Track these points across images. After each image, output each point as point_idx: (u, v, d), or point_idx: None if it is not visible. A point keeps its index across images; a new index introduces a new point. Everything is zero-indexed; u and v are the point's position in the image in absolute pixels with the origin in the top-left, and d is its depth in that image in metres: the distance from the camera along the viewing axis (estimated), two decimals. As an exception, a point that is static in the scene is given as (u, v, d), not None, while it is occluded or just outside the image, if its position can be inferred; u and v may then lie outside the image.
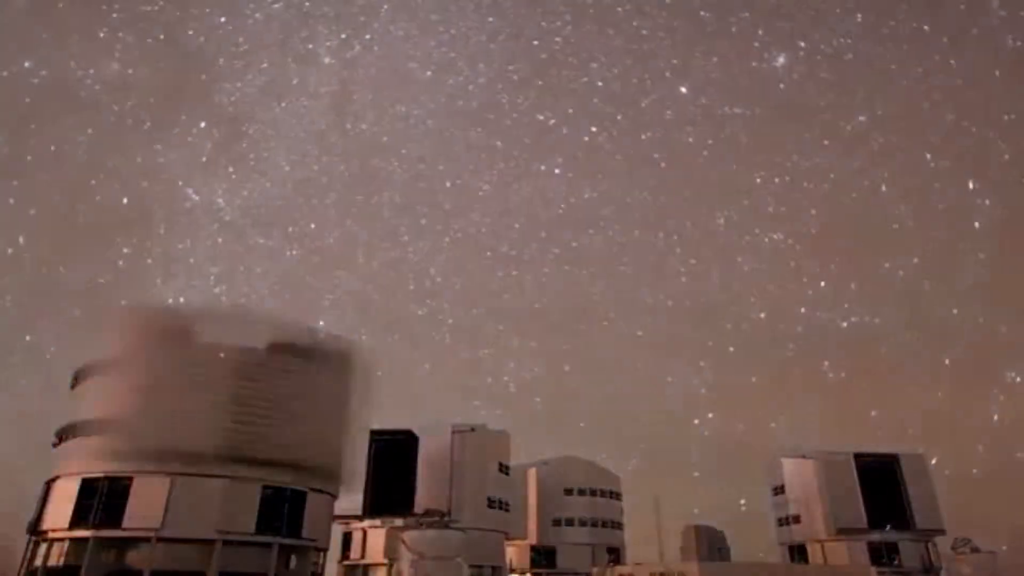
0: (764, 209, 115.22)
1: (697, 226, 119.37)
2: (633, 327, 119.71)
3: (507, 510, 43.91)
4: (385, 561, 38.01)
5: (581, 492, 56.91)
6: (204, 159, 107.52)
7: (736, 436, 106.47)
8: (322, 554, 31.24)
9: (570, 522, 55.65)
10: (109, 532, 24.71)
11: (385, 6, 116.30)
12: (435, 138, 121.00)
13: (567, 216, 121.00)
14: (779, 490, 57.70)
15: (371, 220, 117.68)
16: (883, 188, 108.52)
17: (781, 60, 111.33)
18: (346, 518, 39.59)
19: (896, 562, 49.42)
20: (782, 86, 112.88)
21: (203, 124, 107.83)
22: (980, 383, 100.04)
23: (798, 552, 54.56)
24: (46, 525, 25.94)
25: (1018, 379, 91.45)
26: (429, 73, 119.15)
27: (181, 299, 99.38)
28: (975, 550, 47.50)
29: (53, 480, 26.77)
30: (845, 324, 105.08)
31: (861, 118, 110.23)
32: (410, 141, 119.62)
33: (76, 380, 28.83)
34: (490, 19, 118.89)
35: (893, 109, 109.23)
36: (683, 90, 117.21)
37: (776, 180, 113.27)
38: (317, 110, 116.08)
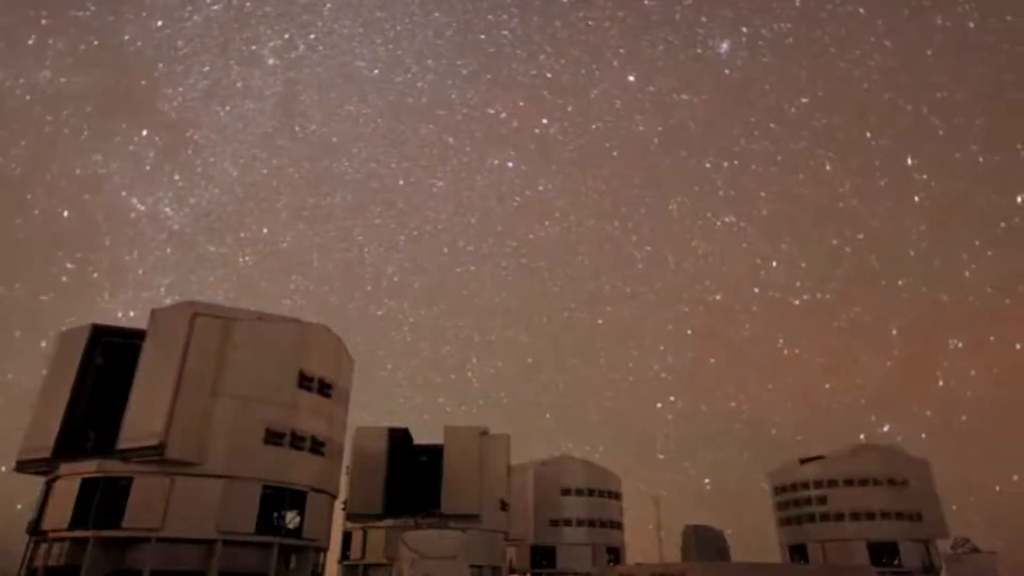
0: (715, 193, 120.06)
1: (651, 213, 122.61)
2: (593, 316, 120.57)
3: (507, 510, 43.93)
4: (385, 561, 37.95)
5: (579, 492, 56.79)
6: (148, 168, 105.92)
7: (699, 417, 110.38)
8: (322, 554, 31.20)
9: (568, 522, 55.58)
10: (109, 532, 24.61)
11: (328, 4, 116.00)
12: (385, 136, 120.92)
13: (522, 209, 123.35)
14: (779, 490, 57.78)
15: (324, 222, 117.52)
16: (827, 167, 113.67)
17: (725, 46, 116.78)
18: (363, 517, 39.51)
19: (896, 562, 49.51)
20: (727, 71, 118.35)
21: (145, 132, 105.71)
22: (925, 351, 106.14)
23: (798, 552, 54.61)
24: (46, 525, 25.86)
25: (960, 345, 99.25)
26: (376, 71, 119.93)
27: (131, 313, 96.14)
28: (975, 550, 47.54)
29: (53, 480, 26.74)
30: (797, 302, 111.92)
31: (804, 100, 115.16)
32: (360, 140, 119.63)
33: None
34: (436, 14, 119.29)
35: (833, 90, 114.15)
36: (631, 79, 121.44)
37: (725, 164, 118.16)
38: (263, 112, 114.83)
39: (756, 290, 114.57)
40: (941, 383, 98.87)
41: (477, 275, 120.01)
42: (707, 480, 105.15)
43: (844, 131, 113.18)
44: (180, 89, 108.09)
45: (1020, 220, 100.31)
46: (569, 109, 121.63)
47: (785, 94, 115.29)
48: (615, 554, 56.53)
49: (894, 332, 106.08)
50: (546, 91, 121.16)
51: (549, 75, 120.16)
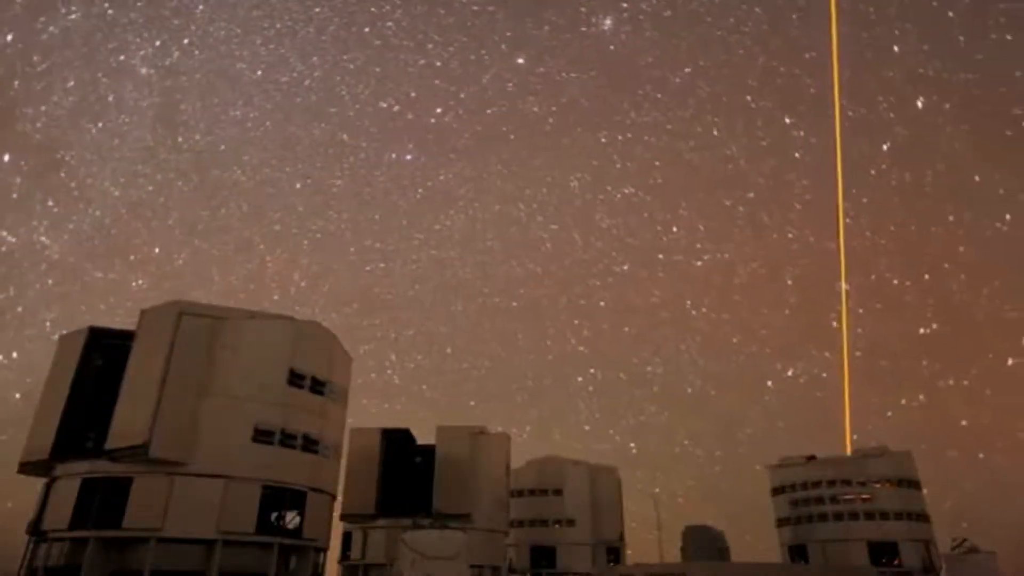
0: (612, 167, 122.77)
1: (553, 192, 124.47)
2: (507, 299, 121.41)
3: (507, 510, 43.97)
4: (385, 561, 38.01)
5: (575, 492, 56.52)
6: (15, 195, 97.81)
7: (619, 385, 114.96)
8: (322, 554, 31.27)
9: (566, 522, 55.43)
10: (109, 532, 24.69)
11: (200, 6, 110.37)
12: (277, 139, 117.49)
13: (425, 200, 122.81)
14: (778, 491, 57.79)
15: (221, 234, 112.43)
16: (715, 132, 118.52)
17: (608, 23, 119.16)
18: (357, 517, 39.53)
19: (896, 562, 49.50)
20: (612, 47, 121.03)
21: (7, 156, 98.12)
22: (818, 297, 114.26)
23: (798, 552, 54.59)
24: (46, 525, 25.96)
25: (846, 288, 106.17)
26: (260, 72, 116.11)
27: (14, 355, 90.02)
28: (974, 550, 47.52)
29: (53, 480, 26.83)
30: (699, 263, 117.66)
31: (687, 70, 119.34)
32: (250, 146, 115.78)
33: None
34: (316, 10, 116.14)
35: (713, 58, 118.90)
36: (520, 61, 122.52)
37: (619, 138, 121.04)
38: (141, 125, 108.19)
39: (660, 256, 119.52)
40: (835, 324, 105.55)
41: (387, 271, 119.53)
42: (632, 444, 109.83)
43: (727, 96, 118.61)
44: (43, 108, 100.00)
45: (887, 167, 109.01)
46: (462, 96, 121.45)
47: (669, 65, 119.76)
48: (615, 554, 56.49)
49: (789, 282, 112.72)
50: (437, 80, 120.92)
51: (439, 63, 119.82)
